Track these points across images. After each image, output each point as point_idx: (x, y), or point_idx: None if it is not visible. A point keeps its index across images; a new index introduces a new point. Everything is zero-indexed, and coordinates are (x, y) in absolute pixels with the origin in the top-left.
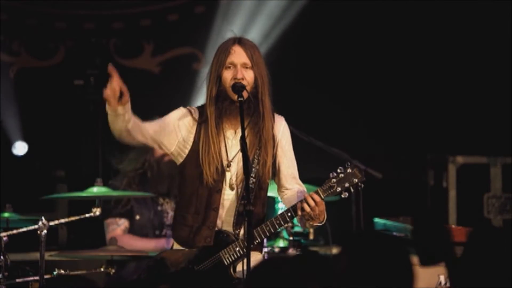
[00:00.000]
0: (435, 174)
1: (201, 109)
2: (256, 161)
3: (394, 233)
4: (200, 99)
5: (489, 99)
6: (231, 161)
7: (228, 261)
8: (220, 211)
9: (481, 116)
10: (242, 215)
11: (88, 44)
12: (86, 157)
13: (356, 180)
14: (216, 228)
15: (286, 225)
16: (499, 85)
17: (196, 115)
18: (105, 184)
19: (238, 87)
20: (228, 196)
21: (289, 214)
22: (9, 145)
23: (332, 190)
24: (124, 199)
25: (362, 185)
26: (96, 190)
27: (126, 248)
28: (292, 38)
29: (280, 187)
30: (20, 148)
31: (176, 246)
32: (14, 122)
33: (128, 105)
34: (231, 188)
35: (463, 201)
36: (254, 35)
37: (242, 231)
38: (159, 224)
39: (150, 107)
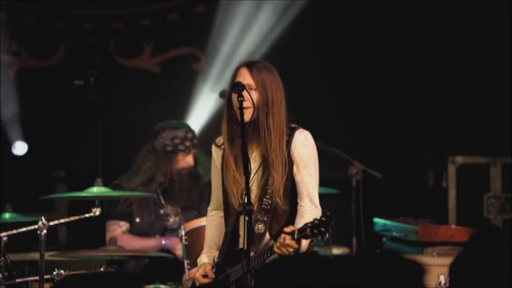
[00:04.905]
0: (435, 174)
1: None
2: (270, 182)
3: (394, 233)
4: (200, 99)
5: (488, 99)
6: (251, 186)
7: (233, 279)
8: (239, 233)
9: (481, 116)
10: (258, 236)
11: (88, 44)
12: (86, 157)
13: (323, 230)
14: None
15: (271, 255)
16: (499, 85)
17: (221, 142)
18: (105, 184)
19: (238, 87)
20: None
21: (270, 246)
22: (9, 145)
23: (304, 233)
24: (126, 200)
25: (327, 235)
26: (96, 190)
27: (125, 247)
28: (292, 38)
29: (298, 203)
30: (20, 148)
31: None
32: (14, 122)
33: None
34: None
35: (463, 201)
36: (253, 36)
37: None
38: (161, 227)
39: (150, 107)
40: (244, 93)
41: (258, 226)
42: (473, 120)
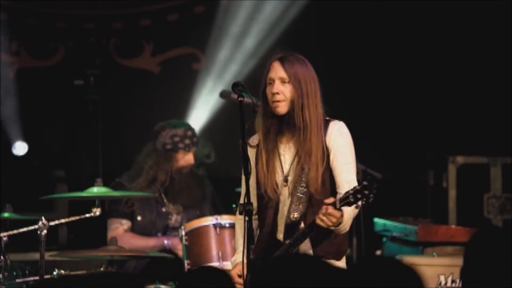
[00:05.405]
0: (435, 174)
1: None
2: (306, 170)
3: (394, 233)
4: (200, 99)
5: (489, 99)
6: (287, 176)
7: None
8: (278, 224)
9: (481, 116)
10: (294, 224)
11: (88, 44)
12: (86, 157)
13: (367, 192)
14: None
15: (312, 232)
16: (499, 85)
17: (254, 141)
18: (105, 184)
19: (238, 87)
20: (285, 208)
21: (312, 223)
22: (9, 145)
23: (346, 201)
24: (128, 200)
25: (372, 197)
26: (96, 190)
27: (126, 247)
28: (292, 38)
29: (336, 192)
30: (20, 148)
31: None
32: (14, 122)
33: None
34: (289, 200)
35: (463, 201)
36: (253, 35)
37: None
38: (163, 226)
39: (150, 107)
40: (277, 85)
41: (293, 214)
42: (473, 120)
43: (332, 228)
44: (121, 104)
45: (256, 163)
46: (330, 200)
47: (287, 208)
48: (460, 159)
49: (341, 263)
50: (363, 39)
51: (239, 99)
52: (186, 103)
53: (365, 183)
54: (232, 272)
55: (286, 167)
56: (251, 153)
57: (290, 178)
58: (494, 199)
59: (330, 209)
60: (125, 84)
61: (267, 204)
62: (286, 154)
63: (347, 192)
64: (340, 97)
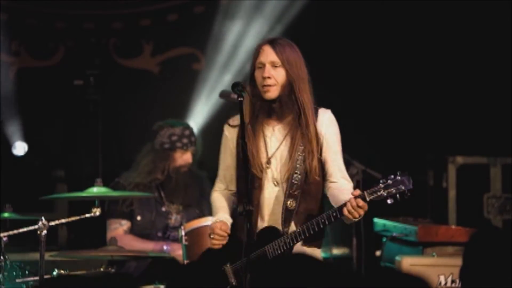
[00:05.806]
0: (435, 174)
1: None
2: (301, 157)
3: (394, 233)
4: (200, 99)
5: (489, 99)
6: (270, 158)
7: (271, 255)
8: (264, 208)
9: (481, 116)
10: (290, 211)
11: (88, 44)
12: (86, 157)
13: (403, 188)
14: (258, 225)
15: (330, 223)
16: (499, 85)
17: (235, 122)
18: (105, 184)
19: (238, 87)
20: (273, 193)
21: (334, 214)
22: (9, 145)
23: (377, 194)
24: (128, 199)
25: (409, 194)
26: (96, 190)
27: (125, 248)
28: (292, 38)
29: (326, 180)
30: (20, 148)
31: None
32: (14, 122)
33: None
34: (275, 184)
35: (463, 201)
36: (253, 35)
37: (290, 228)
38: (163, 225)
39: (150, 107)
40: (268, 69)
41: (290, 202)
42: (473, 120)
43: (355, 219)
44: (121, 104)
45: (237, 144)
46: (357, 192)
47: (280, 194)
48: (460, 159)
49: (319, 251)
50: (362, 40)
51: (239, 99)
52: (186, 103)
53: (398, 178)
54: (215, 225)
55: (271, 150)
56: (232, 133)
57: (273, 161)
58: (494, 199)
59: (362, 203)
60: (125, 84)
61: (254, 184)
62: (273, 137)
63: (377, 185)
64: (340, 97)
